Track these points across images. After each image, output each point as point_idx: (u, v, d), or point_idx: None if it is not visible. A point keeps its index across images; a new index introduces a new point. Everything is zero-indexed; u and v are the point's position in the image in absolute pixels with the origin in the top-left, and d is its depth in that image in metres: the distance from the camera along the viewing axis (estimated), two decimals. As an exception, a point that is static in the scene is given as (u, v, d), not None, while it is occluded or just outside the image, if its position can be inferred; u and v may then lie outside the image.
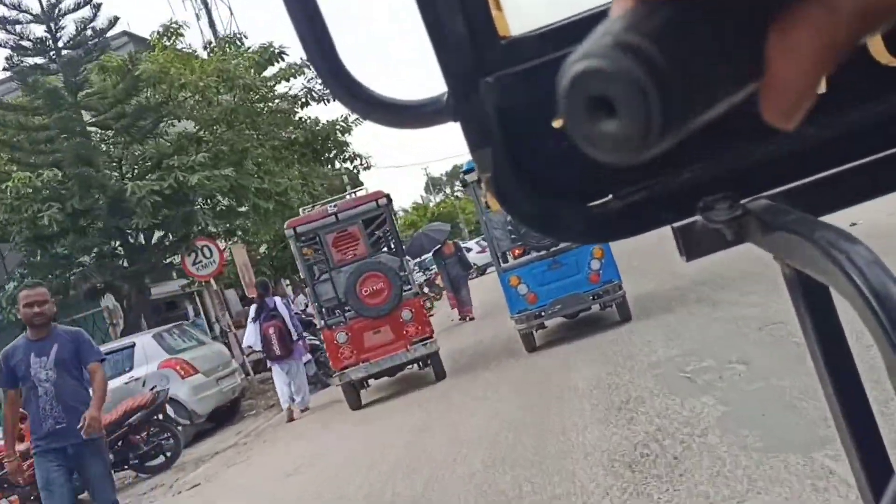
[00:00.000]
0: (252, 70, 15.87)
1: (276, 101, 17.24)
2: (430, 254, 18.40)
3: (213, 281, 15.34)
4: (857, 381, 0.63)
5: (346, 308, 9.41)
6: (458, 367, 9.92)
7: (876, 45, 0.70)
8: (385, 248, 11.01)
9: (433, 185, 75.42)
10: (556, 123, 0.59)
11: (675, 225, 0.67)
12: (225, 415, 12.29)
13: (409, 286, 9.69)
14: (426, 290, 19.15)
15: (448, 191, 67.78)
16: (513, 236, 9.38)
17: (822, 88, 0.73)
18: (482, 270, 31.13)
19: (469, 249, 32.31)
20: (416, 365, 9.94)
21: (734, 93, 0.40)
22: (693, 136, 0.67)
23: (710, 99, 0.39)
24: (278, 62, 16.45)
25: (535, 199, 0.66)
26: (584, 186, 0.66)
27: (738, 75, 0.39)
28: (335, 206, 9.75)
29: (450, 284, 16.59)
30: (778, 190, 0.66)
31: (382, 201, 9.54)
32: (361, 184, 21.10)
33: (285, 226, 9.88)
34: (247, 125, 15.95)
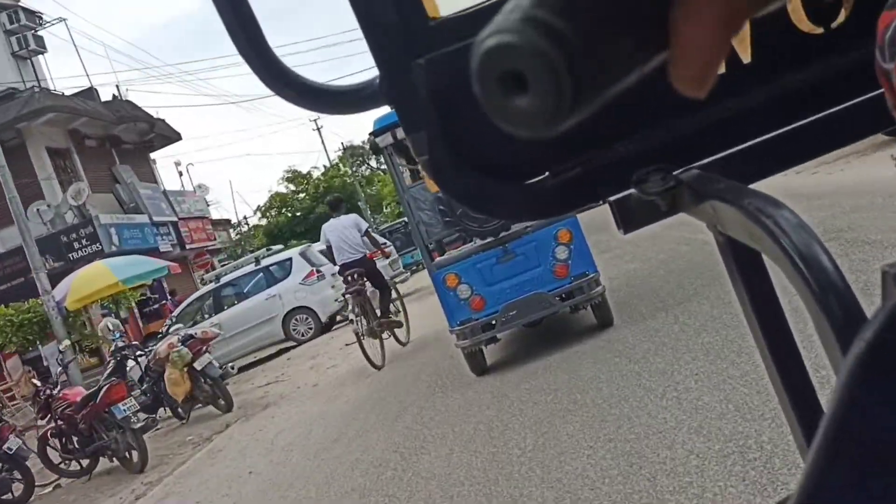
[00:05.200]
0: None
1: None
2: None
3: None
4: (791, 341, 0.76)
5: None
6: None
7: (797, 14, 0.83)
8: None
9: (351, 154, 61.63)
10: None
11: (612, 199, 0.78)
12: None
13: None
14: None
15: (373, 164, 56.27)
16: (446, 219, 7.70)
17: (747, 58, 0.86)
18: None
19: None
20: None
21: (643, 62, 0.46)
22: (623, 111, 0.80)
23: (620, 70, 0.45)
24: None
25: (472, 179, 0.76)
26: (520, 165, 0.77)
27: (645, 45, 0.46)
28: None
29: None
30: (708, 160, 0.79)
31: None
32: None
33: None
34: None
